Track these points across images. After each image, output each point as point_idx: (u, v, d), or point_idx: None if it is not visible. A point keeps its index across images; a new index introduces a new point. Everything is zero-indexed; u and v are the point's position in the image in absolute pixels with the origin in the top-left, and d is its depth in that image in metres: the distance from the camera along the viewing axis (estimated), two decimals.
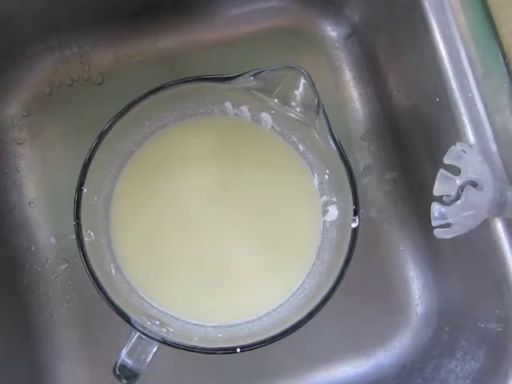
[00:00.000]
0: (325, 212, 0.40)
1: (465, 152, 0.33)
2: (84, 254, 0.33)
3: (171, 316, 0.38)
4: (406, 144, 0.43)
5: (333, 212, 0.39)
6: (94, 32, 0.44)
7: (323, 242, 0.39)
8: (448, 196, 0.33)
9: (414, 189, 0.44)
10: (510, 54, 0.35)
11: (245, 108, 0.38)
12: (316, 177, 0.40)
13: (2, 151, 0.43)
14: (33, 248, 0.43)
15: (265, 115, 0.38)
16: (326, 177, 0.39)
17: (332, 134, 0.34)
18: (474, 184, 0.32)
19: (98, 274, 0.33)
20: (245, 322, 0.38)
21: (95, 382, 0.42)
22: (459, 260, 0.40)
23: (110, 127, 0.34)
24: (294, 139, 0.40)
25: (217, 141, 0.40)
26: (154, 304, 0.38)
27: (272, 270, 0.39)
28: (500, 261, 0.35)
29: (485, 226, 0.35)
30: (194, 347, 0.33)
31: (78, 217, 0.33)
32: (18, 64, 0.43)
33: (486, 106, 0.35)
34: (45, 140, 0.43)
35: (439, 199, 0.33)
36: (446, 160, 0.33)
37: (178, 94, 0.35)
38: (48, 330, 0.42)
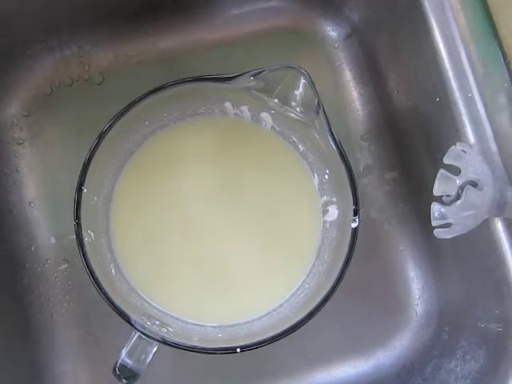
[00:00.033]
0: (325, 212, 0.40)
1: (465, 152, 0.33)
2: (84, 254, 0.33)
3: (171, 316, 0.38)
4: (406, 144, 0.43)
5: (333, 212, 0.39)
6: (94, 32, 0.44)
7: (323, 242, 0.39)
8: (448, 196, 0.33)
9: (413, 189, 0.44)
10: (510, 54, 0.35)
11: (245, 108, 0.38)
12: (316, 177, 0.40)
13: (2, 151, 0.43)
14: (33, 248, 0.43)
15: (265, 115, 0.38)
16: (326, 177, 0.39)
17: (332, 134, 0.34)
18: (474, 184, 0.32)
19: (98, 273, 0.33)
20: (245, 322, 0.38)
21: (95, 381, 0.42)
22: (459, 260, 0.40)
23: (110, 127, 0.34)
24: (294, 139, 0.40)
25: (217, 141, 0.40)
26: (154, 304, 0.38)
27: (272, 270, 0.39)
28: (500, 261, 0.35)
29: (485, 226, 0.35)
30: (194, 347, 0.33)
31: (77, 217, 0.33)
32: (18, 64, 0.43)
33: (485, 106, 0.35)
34: (45, 140, 0.43)
35: (439, 199, 0.33)
36: (446, 160, 0.33)
37: (177, 94, 0.35)
38: (48, 330, 0.42)
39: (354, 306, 0.43)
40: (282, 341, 0.33)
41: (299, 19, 0.45)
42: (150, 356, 0.34)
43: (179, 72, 0.43)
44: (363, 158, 0.45)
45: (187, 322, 0.38)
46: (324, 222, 0.40)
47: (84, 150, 0.34)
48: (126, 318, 0.33)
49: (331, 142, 0.34)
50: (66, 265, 0.43)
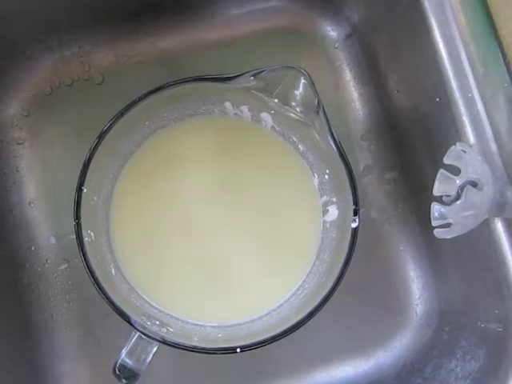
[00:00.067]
0: (325, 212, 0.40)
1: (465, 152, 0.33)
2: (84, 254, 0.33)
3: (171, 316, 0.38)
4: (406, 144, 0.43)
5: (333, 212, 0.39)
6: (94, 32, 0.44)
7: (323, 241, 0.39)
8: (448, 196, 0.33)
9: (413, 189, 0.44)
10: (510, 54, 0.35)
11: (245, 108, 0.38)
12: (316, 177, 0.40)
13: (2, 151, 0.43)
14: (33, 248, 0.43)
15: (265, 115, 0.38)
16: (326, 177, 0.39)
17: (332, 134, 0.34)
18: (474, 184, 0.32)
19: (98, 273, 0.33)
20: (245, 322, 0.38)
21: (95, 381, 0.42)
22: (459, 260, 0.40)
23: (110, 127, 0.34)
24: (294, 139, 0.40)
25: (217, 141, 0.40)
26: (153, 304, 0.38)
27: (272, 270, 0.39)
28: (500, 261, 0.35)
29: (485, 226, 0.35)
30: (194, 347, 0.33)
31: (78, 217, 0.33)
32: (18, 64, 0.43)
33: (485, 106, 0.35)
34: (45, 140, 0.43)
35: (439, 199, 0.33)
36: (446, 160, 0.33)
37: (177, 93, 0.35)
38: (48, 330, 0.42)
39: (354, 306, 0.43)
40: (282, 341, 0.33)
41: (299, 19, 0.45)
42: (150, 356, 0.34)
43: (179, 72, 0.43)
44: (363, 158, 0.45)
45: (187, 322, 0.38)
46: (324, 222, 0.40)
47: (84, 150, 0.34)
48: (126, 318, 0.33)
49: (331, 142, 0.34)
50: (65, 265, 0.43)
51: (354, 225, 0.34)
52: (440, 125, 0.37)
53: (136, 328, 0.33)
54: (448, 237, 0.33)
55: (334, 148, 0.34)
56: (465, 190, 0.32)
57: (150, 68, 0.44)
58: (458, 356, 0.39)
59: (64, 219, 0.42)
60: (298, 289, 0.39)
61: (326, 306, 0.33)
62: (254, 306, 0.38)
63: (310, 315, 0.33)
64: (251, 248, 0.39)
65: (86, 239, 0.34)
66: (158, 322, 0.35)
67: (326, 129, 0.34)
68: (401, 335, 0.44)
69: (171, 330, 0.35)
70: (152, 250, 0.39)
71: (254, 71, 0.33)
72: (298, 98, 0.33)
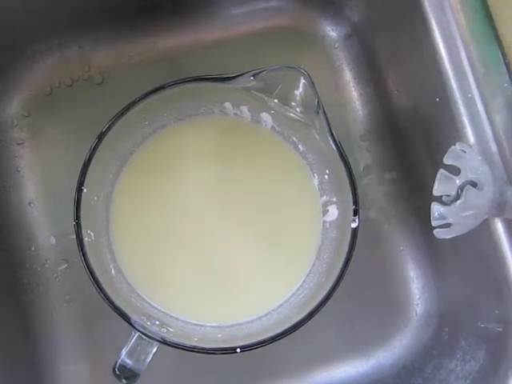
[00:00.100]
0: (325, 212, 0.40)
1: (465, 152, 0.33)
2: (84, 254, 0.33)
3: (171, 316, 0.38)
4: (406, 144, 0.43)
5: (333, 212, 0.39)
6: (94, 32, 0.44)
7: (323, 242, 0.39)
8: (448, 196, 0.33)
9: (414, 189, 0.44)
10: (510, 54, 0.35)
11: (245, 108, 0.38)
12: (316, 177, 0.40)
13: (2, 151, 0.43)
14: (33, 248, 0.43)
15: (265, 115, 0.38)
16: (326, 177, 0.39)
17: (332, 134, 0.34)
18: (474, 184, 0.32)
19: (97, 274, 0.33)
20: (245, 322, 0.38)
21: (95, 382, 0.42)
22: (459, 260, 0.40)
23: (110, 127, 0.34)
24: (294, 139, 0.40)
25: (217, 141, 0.40)
26: (153, 304, 0.38)
27: (272, 270, 0.39)
28: (500, 261, 0.35)
29: (485, 226, 0.35)
30: (194, 347, 0.33)
31: (77, 217, 0.33)
32: (18, 64, 0.43)
33: (485, 106, 0.35)
34: (45, 140, 0.43)
35: (439, 199, 0.33)
36: (446, 160, 0.33)
37: (177, 93, 0.35)
38: (48, 330, 0.42)
39: (354, 306, 0.43)
40: (282, 341, 0.33)
41: (299, 19, 0.45)
42: (150, 356, 0.34)
43: (179, 72, 0.43)
44: (363, 158, 0.45)
45: (187, 322, 0.38)
46: (324, 222, 0.40)
47: (84, 150, 0.34)
48: (126, 318, 0.33)
49: (331, 142, 0.34)
50: (65, 265, 0.43)
51: (353, 225, 0.34)
52: (440, 125, 0.37)
53: (136, 328, 0.33)
54: (448, 237, 0.33)
55: (334, 148, 0.34)
56: (465, 190, 0.32)
57: (150, 68, 0.44)
58: (458, 356, 0.39)
59: (64, 219, 0.42)
60: (298, 289, 0.39)
61: (325, 305, 0.33)
62: (254, 306, 0.38)
63: (310, 315, 0.33)
64: (251, 248, 0.39)
65: (85, 239, 0.34)
66: (157, 322, 0.35)
67: (326, 129, 0.34)
68: (401, 335, 0.44)
69: (171, 330, 0.35)
70: (152, 250, 0.39)
71: (254, 71, 0.33)
72: (298, 98, 0.33)
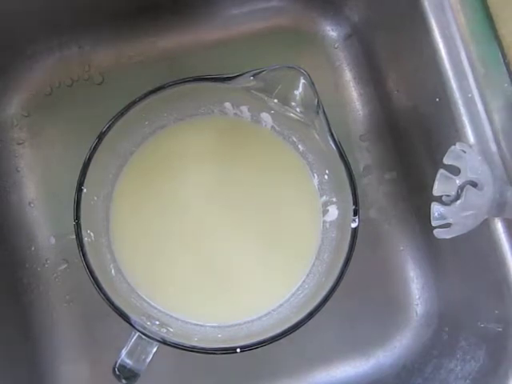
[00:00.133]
0: (325, 212, 0.40)
1: (465, 152, 0.33)
2: (84, 254, 0.33)
3: (171, 316, 0.38)
4: (406, 144, 0.43)
5: (333, 212, 0.39)
6: (94, 32, 0.44)
7: (323, 242, 0.39)
8: (448, 196, 0.33)
9: (414, 189, 0.44)
10: (510, 54, 0.35)
11: (245, 108, 0.38)
12: (316, 177, 0.40)
13: (2, 151, 0.43)
14: (33, 248, 0.43)
15: (265, 115, 0.38)
16: (326, 177, 0.39)
17: (332, 134, 0.34)
18: (474, 184, 0.32)
19: (97, 274, 0.33)
20: (245, 322, 0.38)
21: (95, 382, 0.42)
22: (459, 260, 0.40)
23: (110, 127, 0.34)
24: (294, 139, 0.40)
25: (217, 141, 0.40)
26: (153, 304, 0.38)
27: (272, 270, 0.39)
28: (500, 261, 0.35)
29: (485, 226, 0.35)
30: (194, 347, 0.33)
31: (77, 217, 0.33)
32: (18, 64, 0.43)
33: (485, 105, 0.35)
34: (45, 140, 0.43)
35: (439, 199, 0.33)
36: (446, 160, 0.33)
37: (177, 93, 0.35)
38: (48, 330, 0.42)
39: (354, 306, 0.43)
40: (282, 341, 0.33)
41: (299, 19, 0.45)
42: (150, 356, 0.34)
43: (179, 72, 0.43)
44: (363, 158, 0.45)
45: (187, 322, 0.38)
46: (324, 222, 0.40)
47: (84, 150, 0.34)
48: (126, 318, 0.33)
49: (331, 142, 0.34)
50: (65, 265, 0.43)
51: (353, 225, 0.34)
52: (440, 125, 0.37)
53: (136, 328, 0.33)
54: (448, 237, 0.33)
55: (334, 148, 0.34)
56: (465, 190, 0.32)
57: (150, 68, 0.44)
58: (458, 356, 0.39)
59: (64, 219, 0.42)
60: (298, 289, 0.39)
61: (325, 305, 0.33)
62: (254, 306, 0.38)
63: (310, 315, 0.33)
64: (251, 248, 0.39)
65: (85, 239, 0.34)
66: (157, 322, 0.35)
67: (326, 129, 0.34)
68: (401, 335, 0.44)
69: (171, 330, 0.35)
70: (152, 250, 0.39)
71: (254, 71, 0.33)
72: (298, 98, 0.33)
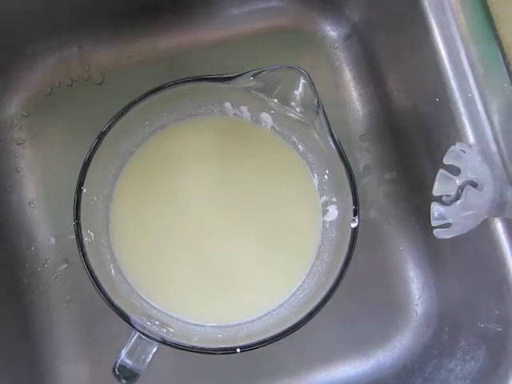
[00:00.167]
0: (325, 212, 0.40)
1: (464, 152, 0.33)
2: (84, 254, 0.33)
3: (171, 316, 0.38)
4: (406, 144, 0.43)
5: (333, 212, 0.39)
6: (94, 32, 0.44)
7: (323, 242, 0.39)
8: (448, 196, 0.33)
9: (413, 189, 0.44)
10: (510, 54, 0.35)
11: (244, 108, 0.38)
12: (316, 177, 0.40)
13: (2, 151, 0.43)
14: (33, 248, 0.43)
15: (265, 115, 0.38)
16: (326, 177, 0.39)
17: (332, 134, 0.34)
18: (474, 184, 0.32)
19: (97, 274, 0.33)
20: (245, 322, 0.38)
21: (95, 382, 0.42)
22: (459, 260, 0.40)
23: (110, 127, 0.34)
24: (294, 139, 0.40)
25: (217, 141, 0.40)
26: (153, 304, 0.38)
27: (272, 270, 0.39)
28: (500, 261, 0.35)
29: (485, 226, 0.35)
30: (194, 347, 0.33)
31: (77, 217, 0.33)
32: (18, 64, 0.43)
33: (485, 106, 0.35)
34: (45, 140, 0.43)
35: (439, 199, 0.33)
36: (446, 160, 0.33)
37: (177, 93, 0.35)
38: (48, 330, 0.42)
39: (354, 306, 0.43)
40: (282, 341, 0.33)
41: (299, 19, 0.45)
42: (150, 356, 0.34)
43: (179, 72, 0.43)
44: (363, 158, 0.45)
45: (187, 322, 0.38)
46: (324, 222, 0.40)
47: (84, 150, 0.34)
48: (126, 318, 0.33)
49: (331, 142, 0.34)
50: (65, 265, 0.43)
51: (353, 225, 0.34)
52: (440, 125, 0.37)
53: (136, 328, 0.33)
54: (448, 237, 0.33)
55: (334, 148, 0.34)
56: (465, 190, 0.32)
57: (150, 68, 0.44)
58: (458, 356, 0.39)
59: (64, 219, 0.42)
60: (298, 289, 0.39)
61: (325, 305, 0.33)
62: (254, 306, 0.38)
63: (310, 315, 0.33)
64: (251, 248, 0.39)
65: (85, 239, 0.34)
66: (157, 322, 0.35)
67: (326, 129, 0.34)
68: (401, 335, 0.44)
69: (171, 330, 0.35)
70: (152, 250, 0.39)
71: (254, 71, 0.33)
72: (298, 98, 0.33)
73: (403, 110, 0.42)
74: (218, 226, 0.39)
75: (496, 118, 0.35)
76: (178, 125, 0.40)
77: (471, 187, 0.32)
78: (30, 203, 0.43)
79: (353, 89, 0.45)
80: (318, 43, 0.45)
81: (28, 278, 0.42)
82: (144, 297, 0.38)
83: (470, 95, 0.35)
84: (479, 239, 0.36)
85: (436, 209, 0.32)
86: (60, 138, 0.43)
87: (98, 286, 0.33)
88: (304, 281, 0.39)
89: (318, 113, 0.33)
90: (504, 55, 0.35)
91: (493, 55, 0.35)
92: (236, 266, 0.39)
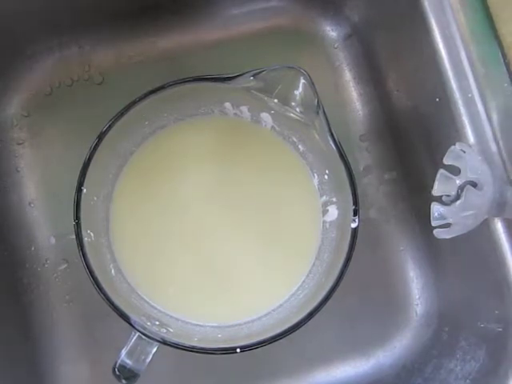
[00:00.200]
0: (325, 212, 0.40)
1: (464, 152, 0.33)
2: (84, 254, 0.33)
3: (171, 316, 0.38)
4: (406, 144, 0.43)
5: (333, 212, 0.39)
6: (94, 32, 0.44)
7: (323, 242, 0.39)
8: (448, 196, 0.33)
9: (413, 189, 0.44)
10: (510, 54, 0.35)
11: (245, 108, 0.38)
12: (316, 177, 0.40)
13: (2, 151, 0.43)
14: (33, 248, 0.43)
15: (265, 115, 0.38)
16: (326, 177, 0.39)
17: (332, 134, 0.34)
18: (474, 184, 0.32)
19: (97, 274, 0.33)
20: (245, 322, 0.38)
21: (95, 382, 0.42)
22: (459, 260, 0.40)
23: (110, 127, 0.34)
24: (294, 139, 0.40)
25: (217, 141, 0.40)
26: (153, 304, 0.38)
27: (272, 270, 0.39)
28: (500, 261, 0.35)
29: (485, 226, 0.35)
30: (194, 347, 0.33)
31: (77, 217, 0.33)
32: (18, 64, 0.43)
33: (485, 106, 0.35)
34: (45, 140, 0.43)
35: (439, 199, 0.33)
36: (446, 160, 0.33)
37: (177, 93, 0.35)
38: (48, 330, 0.42)
39: (354, 306, 0.43)
40: (281, 341, 0.33)
41: (299, 19, 0.45)
42: (150, 356, 0.34)
43: (179, 72, 0.43)
44: (363, 158, 0.45)
45: (187, 322, 0.38)
46: (324, 222, 0.40)
47: (84, 150, 0.34)
48: (126, 318, 0.33)
49: (331, 142, 0.34)
50: (65, 265, 0.43)
51: (353, 225, 0.34)
52: (440, 125, 0.37)
53: (136, 328, 0.33)
54: (448, 237, 0.33)
55: (334, 148, 0.34)
56: (465, 190, 0.32)
57: (150, 68, 0.44)
58: (458, 356, 0.39)
59: (64, 219, 0.42)
60: (298, 289, 0.39)
61: (325, 305, 0.33)
62: (254, 306, 0.38)
63: (310, 315, 0.33)
64: (251, 248, 0.39)
65: (85, 239, 0.34)
66: (157, 323, 0.35)
67: (326, 129, 0.34)
68: (401, 335, 0.44)
69: (171, 330, 0.35)
70: (152, 250, 0.39)
71: (254, 71, 0.33)
72: (298, 98, 0.33)
73: (403, 110, 0.42)
74: (218, 226, 0.39)
75: (496, 118, 0.35)
76: (178, 125, 0.40)
77: (471, 187, 0.32)
78: (30, 203, 0.43)
79: (353, 89, 0.45)
80: (318, 43, 0.45)
81: (28, 277, 0.42)
82: (144, 297, 0.38)
83: (470, 95, 0.35)
84: (479, 239, 0.36)
85: (436, 209, 0.32)
86: (60, 137, 0.43)
87: (97, 286, 0.33)
88: (304, 281, 0.39)
89: (317, 113, 0.33)
90: (504, 55, 0.35)
91: (493, 55, 0.35)
92: (236, 265, 0.39)
